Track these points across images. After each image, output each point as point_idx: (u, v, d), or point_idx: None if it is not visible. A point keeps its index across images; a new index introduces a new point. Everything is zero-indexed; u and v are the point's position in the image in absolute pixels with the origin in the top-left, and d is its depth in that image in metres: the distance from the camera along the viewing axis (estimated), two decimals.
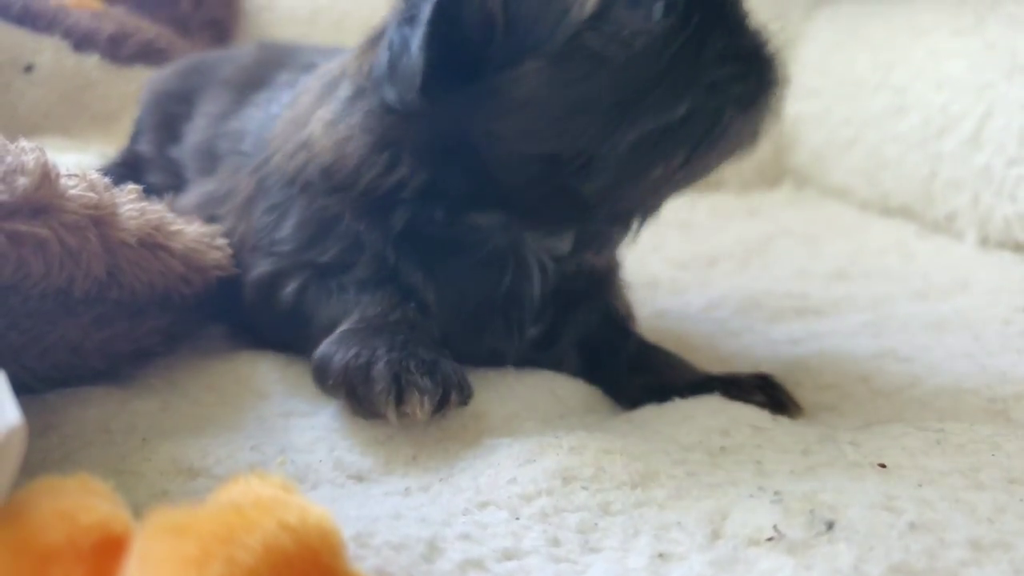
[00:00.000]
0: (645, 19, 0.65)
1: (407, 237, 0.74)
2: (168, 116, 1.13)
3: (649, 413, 0.71)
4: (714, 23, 0.67)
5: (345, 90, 0.77)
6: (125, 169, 1.15)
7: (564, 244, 0.75)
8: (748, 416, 0.69)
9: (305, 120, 0.80)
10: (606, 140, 0.66)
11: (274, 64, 1.03)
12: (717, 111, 0.67)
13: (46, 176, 0.62)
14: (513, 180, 0.70)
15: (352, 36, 1.66)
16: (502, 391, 0.72)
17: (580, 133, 0.67)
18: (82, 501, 0.41)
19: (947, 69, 1.28)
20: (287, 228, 0.79)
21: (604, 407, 0.76)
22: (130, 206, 0.71)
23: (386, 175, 0.73)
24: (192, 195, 0.95)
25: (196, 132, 1.06)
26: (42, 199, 0.61)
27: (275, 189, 0.81)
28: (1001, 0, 1.29)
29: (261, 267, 0.80)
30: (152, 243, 0.71)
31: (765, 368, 0.78)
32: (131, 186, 0.75)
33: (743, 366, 0.83)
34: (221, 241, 0.82)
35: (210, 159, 0.99)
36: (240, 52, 1.16)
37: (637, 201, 0.74)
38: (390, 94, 0.69)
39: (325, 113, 0.77)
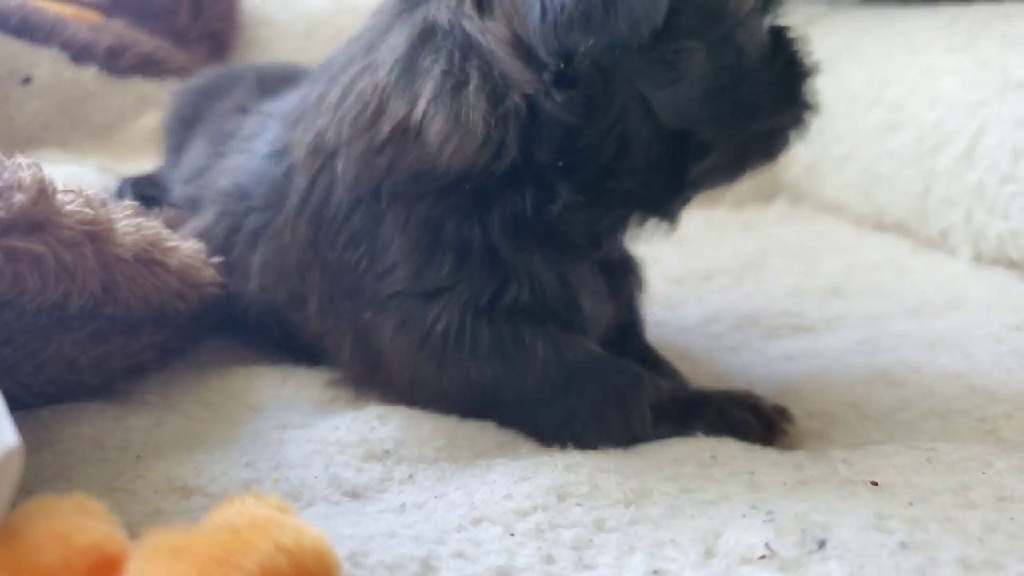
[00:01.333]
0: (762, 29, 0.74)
1: (508, 230, 0.71)
2: (176, 143, 1.11)
3: None
4: (792, 47, 0.76)
5: (436, 63, 0.69)
6: (151, 185, 1.13)
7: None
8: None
9: (379, 112, 0.71)
10: (732, 127, 0.72)
11: (245, 111, 0.98)
12: (803, 125, 0.76)
13: (42, 192, 0.62)
14: (636, 155, 0.70)
15: None
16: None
17: (715, 118, 0.71)
18: (78, 522, 0.41)
19: (940, 86, 1.29)
20: (396, 254, 0.71)
21: None
22: (126, 221, 0.72)
23: (498, 158, 0.68)
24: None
25: (181, 178, 1.01)
26: (38, 215, 0.62)
27: (349, 216, 0.73)
28: (993, 19, 1.30)
29: (422, 321, 0.70)
30: (148, 259, 0.71)
31: (758, 389, 0.78)
32: (127, 202, 0.75)
33: (738, 384, 0.83)
34: (216, 259, 0.82)
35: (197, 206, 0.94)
36: (238, 84, 1.09)
37: (719, 186, 0.80)
38: (587, 41, 0.64)
39: (424, 93, 0.69)
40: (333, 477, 0.62)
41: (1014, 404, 0.73)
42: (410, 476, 0.64)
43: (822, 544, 0.51)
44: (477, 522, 0.56)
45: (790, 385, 0.83)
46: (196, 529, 0.41)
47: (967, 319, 0.98)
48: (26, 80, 1.30)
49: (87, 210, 0.66)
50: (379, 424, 0.69)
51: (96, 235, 0.66)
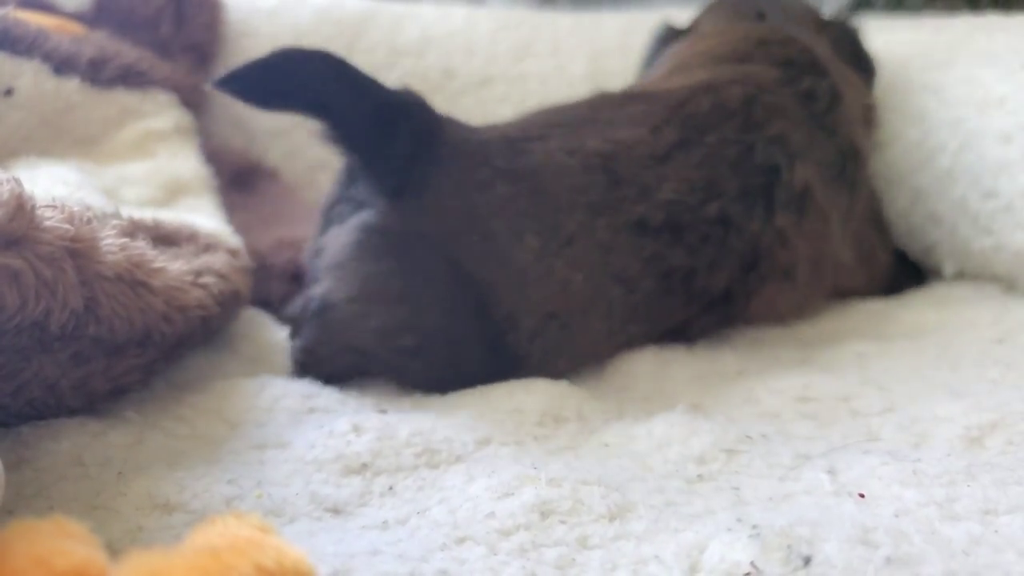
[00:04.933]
0: None
1: None
2: None
3: (623, 436, 0.72)
4: None
5: None
6: None
7: None
8: (722, 440, 0.70)
9: None
10: None
11: None
12: None
13: (20, 207, 0.61)
14: None
15: None
16: (472, 413, 0.73)
17: None
18: (57, 545, 0.40)
19: (922, 103, 1.30)
20: None
21: (571, 412, 0.77)
22: (110, 241, 0.70)
23: None
24: None
25: None
26: (16, 231, 0.60)
27: None
28: (973, 35, 1.31)
29: None
30: (131, 279, 0.69)
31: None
32: (115, 221, 0.74)
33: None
34: (206, 279, 0.80)
35: None
36: None
37: None
38: None
39: None
40: (313, 494, 0.62)
41: (999, 414, 0.73)
42: (390, 488, 0.64)
43: (807, 561, 0.51)
44: (461, 541, 0.56)
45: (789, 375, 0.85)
46: (176, 552, 0.40)
47: (952, 333, 0.99)
48: (7, 92, 1.28)
49: (67, 226, 0.64)
50: (355, 437, 0.68)
51: (77, 251, 0.65)
